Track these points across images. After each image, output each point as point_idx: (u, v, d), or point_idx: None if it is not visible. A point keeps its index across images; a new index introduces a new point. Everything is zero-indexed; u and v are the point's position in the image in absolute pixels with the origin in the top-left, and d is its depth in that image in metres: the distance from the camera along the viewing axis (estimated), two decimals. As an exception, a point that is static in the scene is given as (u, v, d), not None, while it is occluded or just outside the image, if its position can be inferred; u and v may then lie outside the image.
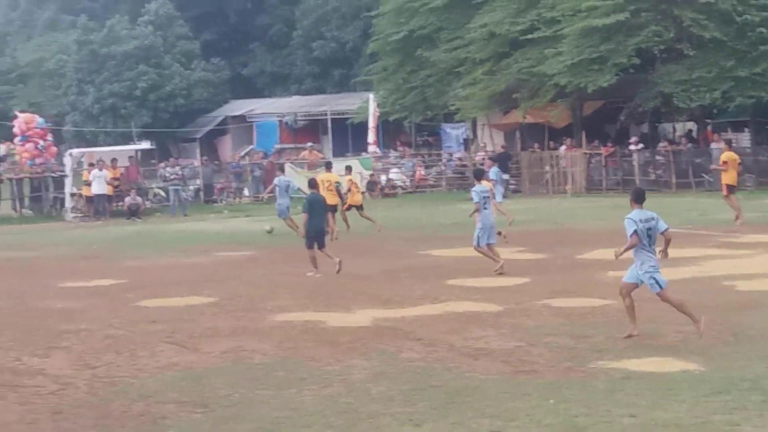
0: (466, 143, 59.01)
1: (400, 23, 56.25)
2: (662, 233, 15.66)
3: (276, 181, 34.92)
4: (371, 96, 56.69)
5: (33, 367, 15.45)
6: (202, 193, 51.57)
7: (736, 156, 33.13)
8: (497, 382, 13.37)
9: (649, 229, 15.42)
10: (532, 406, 12.16)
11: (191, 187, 50.95)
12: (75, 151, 52.26)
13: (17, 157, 51.66)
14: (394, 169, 54.33)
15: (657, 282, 15.50)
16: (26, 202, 47.32)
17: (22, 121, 52.90)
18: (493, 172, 33.34)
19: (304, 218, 24.79)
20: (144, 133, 66.09)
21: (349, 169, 38.02)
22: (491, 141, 56.11)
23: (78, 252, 31.64)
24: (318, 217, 24.56)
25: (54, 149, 52.72)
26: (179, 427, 12.12)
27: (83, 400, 13.43)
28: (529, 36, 48.67)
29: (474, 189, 23.96)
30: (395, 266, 25.08)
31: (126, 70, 67.85)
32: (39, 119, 53.98)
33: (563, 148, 50.16)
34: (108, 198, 46.22)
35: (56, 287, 23.78)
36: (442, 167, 55.41)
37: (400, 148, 59.04)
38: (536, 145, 52.07)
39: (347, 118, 61.31)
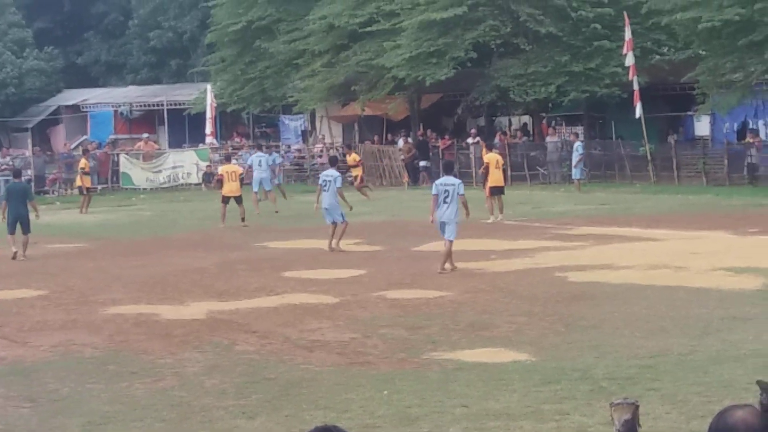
0: (305, 135, 58.95)
1: (239, 14, 55.89)
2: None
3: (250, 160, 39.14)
4: (209, 87, 56.09)
5: None
6: (33, 184, 50.38)
7: (498, 157, 33.48)
8: (332, 374, 13.34)
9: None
10: (366, 398, 12.15)
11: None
12: None
13: None
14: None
15: None
16: None
17: None
18: None
19: (3, 206, 27.15)
20: (-27, 122, 64.42)
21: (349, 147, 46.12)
22: (330, 133, 56.16)
23: None
24: (14, 204, 26.45)
25: None
26: (6, 422, 11.81)
27: None
28: (368, 29, 48.79)
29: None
30: (231, 258, 24.90)
31: (-45, 58, 66.07)
32: None
33: (401, 141, 50.42)
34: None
35: None
36: (280, 159, 55.21)
37: (238, 139, 58.65)
38: (375, 137, 52.28)
39: (184, 109, 60.63)
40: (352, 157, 42.77)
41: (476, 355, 14.12)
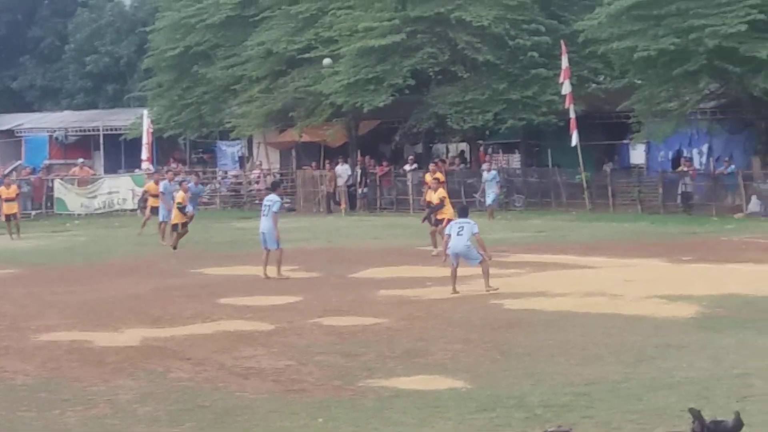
0: (242, 161, 58.79)
1: (176, 39, 55.66)
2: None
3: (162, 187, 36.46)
4: (145, 112, 55.87)
5: None
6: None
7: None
8: (267, 402, 13.25)
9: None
10: (301, 425, 12.08)
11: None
12: None
13: None
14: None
15: None
16: None
17: None
18: None
19: None
20: None
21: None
22: (267, 159, 56.03)
23: None
24: None
25: None
26: (-68, 453, 11.61)
27: None
28: (307, 55, 48.78)
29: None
30: (167, 285, 24.70)
31: None
32: None
33: (338, 167, 50.39)
34: None
35: None
36: (217, 185, 55.13)
37: (174, 165, 58.30)
38: (313, 164, 52.26)
39: (120, 134, 60.25)
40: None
41: (412, 383, 14.08)
